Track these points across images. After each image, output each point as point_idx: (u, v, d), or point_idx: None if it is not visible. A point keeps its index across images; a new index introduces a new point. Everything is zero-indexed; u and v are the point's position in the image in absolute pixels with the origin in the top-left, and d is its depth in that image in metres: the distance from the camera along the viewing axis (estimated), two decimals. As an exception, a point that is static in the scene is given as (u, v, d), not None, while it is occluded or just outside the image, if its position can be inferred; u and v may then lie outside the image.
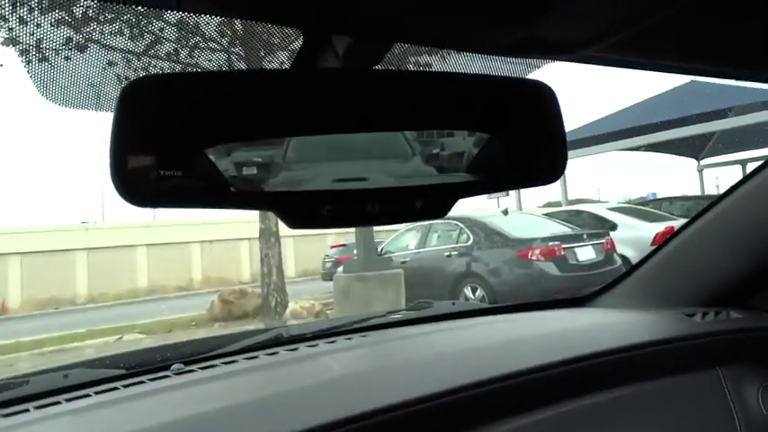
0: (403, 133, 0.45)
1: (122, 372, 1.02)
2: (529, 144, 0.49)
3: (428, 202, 0.46)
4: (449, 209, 0.47)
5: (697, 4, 0.52)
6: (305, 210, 0.43)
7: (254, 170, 0.42)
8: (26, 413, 0.83)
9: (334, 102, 0.44)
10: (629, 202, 14.68)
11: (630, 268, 1.40)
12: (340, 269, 7.40)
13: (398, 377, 0.91)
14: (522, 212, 10.60)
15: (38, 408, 0.85)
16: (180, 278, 22.75)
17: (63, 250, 22.00)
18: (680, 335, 1.08)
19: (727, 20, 0.57)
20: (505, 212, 8.70)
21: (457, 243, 7.78)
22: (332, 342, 1.17)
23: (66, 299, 21.28)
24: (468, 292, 7.23)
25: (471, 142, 0.47)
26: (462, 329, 1.23)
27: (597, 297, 1.39)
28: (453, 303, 1.48)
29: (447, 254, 7.69)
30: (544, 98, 0.48)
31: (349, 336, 1.23)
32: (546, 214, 9.75)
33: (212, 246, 24.48)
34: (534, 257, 7.01)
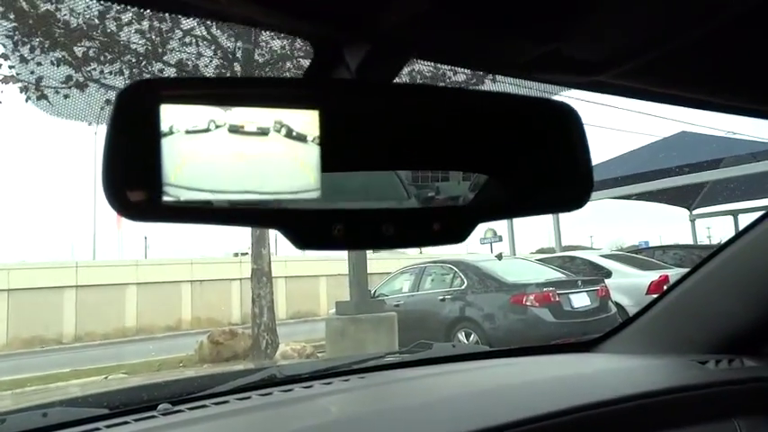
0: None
1: (105, 411, 0.96)
2: (552, 168, 0.46)
3: (446, 226, 0.43)
4: (468, 233, 0.43)
5: (716, 35, 0.50)
6: (314, 229, 0.40)
7: None
8: None
9: (348, 114, 0.41)
10: (621, 251, 14.69)
11: (636, 314, 1.36)
12: (332, 311, 7.29)
13: (398, 422, 0.86)
14: (516, 257, 10.57)
15: None
16: (169, 318, 22.43)
17: (51, 287, 21.70)
18: (695, 383, 1.03)
19: (748, 51, 0.55)
20: (499, 257, 8.68)
21: (451, 287, 7.71)
22: (328, 383, 1.12)
23: (53, 338, 20.85)
24: (461, 336, 7.12)
25: (491, 164, 0.44)
26: (465, 372, 1.18)
27: (603, 342, 1.35)
28: (453, 345, 1.42)
29: (441, 298, 7.62)
30: (569, 120, 0.46)
31: (346, 377, 1.17)
32: (540, 260, 9.73)
33: (202, 285, 24.22)
34: (529, 303, 6.94)
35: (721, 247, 1.22)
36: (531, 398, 0.98)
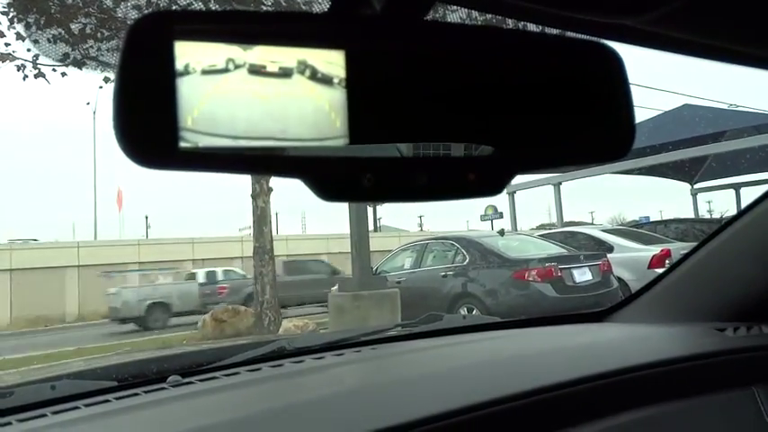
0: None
1: (114, 384, 0.94)
2: (592, 115, 0.43)
3: (482, 176, 0.40)
4: (505, 184, 0.40)
5: None
6: (342, 178, 0.37)
7: None
8: (8, 426, 0.76)
9: (377, 54, 0.38)
10: (622, 225, 14.68)
11: (648, 283, 1.34)
12: (334, 288, 7.30)
13: (413, 391, 0.84)
14: (517, 233, 10.55)
15: (21, 421, 0.77)
16: (171, 296, 22.48)
17: (54, 267, 21.78)
18: (713, 350, 1.01)
19: None
20: (501, 233, 8.65)
21: (453, 263, 7.71)
22: (340, 355, 1.10)
23: (56, 317, 20.99)
24: (463, 312, 7.14)
25: (529, 109, 0.41)
26: (476, 343, 1.16)
27: (616, 312, 1.33)
28: (464, 317, 1.40)
29: (443, 274, 7.62)
30: (610, 63, 0.43)
31: (357, 348, 1.15)
32: (542, 235, 9.72)
33: (204, 264, 24.29)
34: (531, 278, 6.95)
35: (737, 216, 1.19)
36: (544, 367, 0.96)
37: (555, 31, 0.46)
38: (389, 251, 9.33)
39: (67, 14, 7.86)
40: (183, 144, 0.35)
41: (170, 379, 0.94)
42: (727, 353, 1.01)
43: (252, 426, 0.72)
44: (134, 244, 24.55)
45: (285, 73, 0.37)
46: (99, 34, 8.53)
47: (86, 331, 16.31)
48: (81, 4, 8.01)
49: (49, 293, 21.22)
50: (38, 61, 8.96)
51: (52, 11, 7.80)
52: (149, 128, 0.34)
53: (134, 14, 8.20)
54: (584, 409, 0.87)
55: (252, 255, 8.35)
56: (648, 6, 0.42)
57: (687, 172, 16.11)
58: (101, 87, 10.01)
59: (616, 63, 0.43)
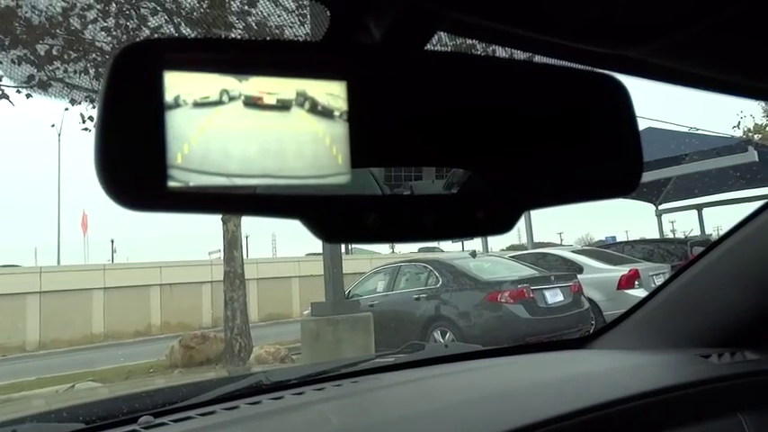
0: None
1: (81, 426, 0.88)
2: (599, 149, 0.41)
3: (490, 214, 0.38)
4: (514, 222, 0.38)
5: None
6: (344, 218, 0.34)
7: None
8: None
9: (377, 83, 0.35)
10: (590, 246, 14.91)
11: (632, 308, 1.34)
12: (306, 312, 7.19)
13: (403, 430, 0.80)
14: (489, 255, 10.62)
15: None
16: (138, 323, 21.97)
17: (14, 294, 21.03)
18: (700, 378, 1.01)
19: None
20: (473, 255, 8.68)
21: (426, 286, 7.69)
22: (320, 389, 1.06)
23: (16, 346, 20.18)
24: (437, 335, 7.10)
25: (535, 144, 0.40)
26: (462, 374, 1.14)
27: (599, 338, 1.32)
28: (446, 345, 1.37)
29: (416, 297, 7.59)
30: (617, 95, 0.41)
31: (338, 382, 1.11)
32: (513, 257, 9.79)
33: (172, 289, 23.78)
34: (504, 300, 6.97)
35: (718, 241, 1.20)
36: (537, 400, 0.94)
37: (555, 62, 0.45)
38: (362, 274, 9.27)
39: (33, 35, 7.72)
40: (172, 183, 0.32)
41: (141, 420, 0.89)
42: (714, 381, 1.01)
43: None
44: (99, 269, 23.88)
45: (283, 105, 0.34)
46: (66, 56, 8.38)
47: (49, 360, 15.70)
48: (48, 26, 7.87)
49: (8, 321, 20.43)
50: (1, 83, 8.75)
51: (17, 31, 7.64)
52: (135, 167, 0.31)
53: (102, 36, 8.09)
54: None
55: (222, 279, 8.18)
56: (651, 37, 0.41)
57: (651, 193, 16.53)
58: (66, 109, 9.82)
59: (623, 95, 0.42)
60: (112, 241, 29.90)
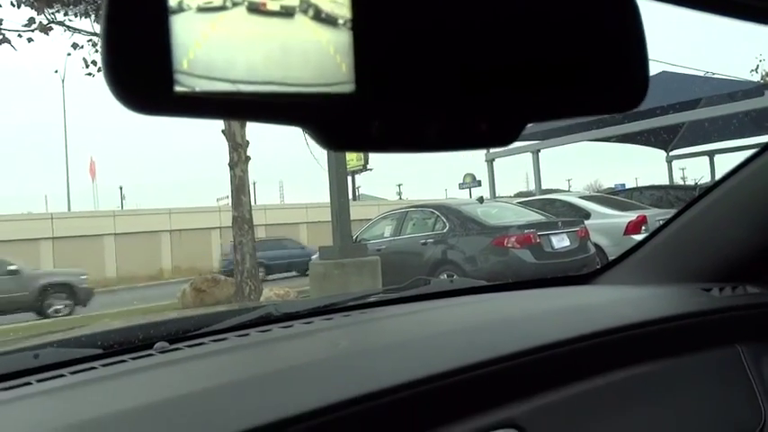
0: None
1: (100, 351, 0.92)
2: (606, 61, 0.41)
3: (493, 126, 0.38)
4: (517, 135, 0.39)
5: None
6: (348, 126, 0.35)
7: None
8: None
9: None
10: (598, 193, 14.86)
11: (636, 245, 1.35)
12: (315, 256, 7.29)
13: (411, 354, 0.83)
14: (496, 200, 10.62)
15: (5, 389, 0.75)
16: (149, 267, 22.37)
17: (27, 239, 21.36)
18: (699, 309, 1.03)
19: None
20: (480, 200, 8.69)
21: (432, 231, 7.74)
22: (328, 319, 1.09)
23: (30, 289, 20.66)
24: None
25: (544, 54, 0.39)
26: (466, 306, 1.16)
27: (603, 274, 1.34)
28: (451, 281, 1.40)
29: (423, 242, 7.66)
30: (626, 8, 0.41)
31: (346, 313, 1.14)
32: (520, 202, 9.79)
33: (182, 235, 24.09)
34: (510, 245, 7.02)
35: (723, 178, 1.20)
36: (535, 328, 0.96)
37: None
38: (368, 220, 9.33)
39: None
40: (178, 88, 0.32)
41: (157, 345, 0.92)
42: (714, 312, 1.03)
43: (242, 390, 0.70)
44: (109, 215, 24.17)
45: (287, 12, 0.34)
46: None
47: (63, 303, 16.04)
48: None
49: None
50: (1, 26, 8.61)
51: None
52: (142, 70, 0.31)
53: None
54: (575, 369, 0.88)
55: (231, 225, 8.27)
56: None
57: (663, 139, 16.31)
58: (69, 54, 9.68)
59: (632, 10, 0.41)
60: (121, 188, 30.06)
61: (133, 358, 0.87)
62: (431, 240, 7.57)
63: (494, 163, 14.97)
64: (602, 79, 0.41)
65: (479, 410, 0.76)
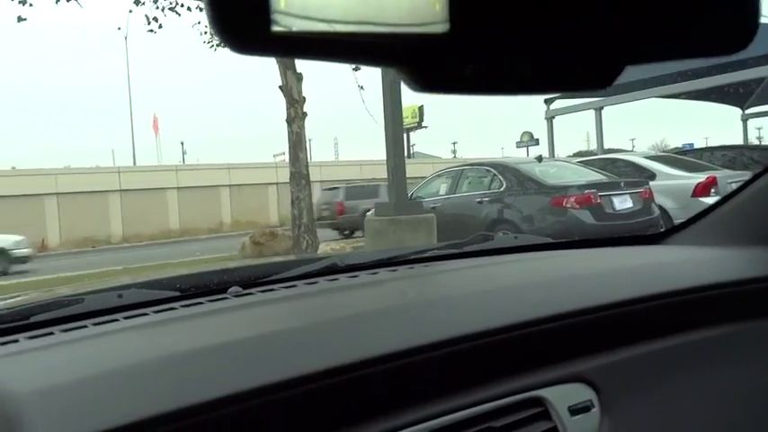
0: None
1: (177, 294, 0.97)
2: (709, 2, 0.38)
3: (590, 68, 0.36)
4: (613, 78, 0.37)
5: None
6: (441, 67, 0.34)
7: None
8: (84, 329, 0.79)
9: None
10: (664, 152, 14.19)
11: (710, 206, 1.29)
12: (370, 213, 7.36)
13: (478, 306, 0.84)
14: (556, 159, 10.33)
15: (95, 324, 0.80)
16: (210, 221, 23.16)
17: (97, 191, 22.45)
18: None
19: None
20: (539, 159, 8.47)
21: (489, 189, 7.64)
22: (393, 271, 1.11)
23: (102, 239, 21.90)
24: (499, 238, 7.13)
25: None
26: (532, 261, 1.15)
27: (674, 234, 1.29)
28: (515, 237, 1.38)
29: (478, 200, 7.57)
30: None
31: (410, 266, 1.16)
32: (580, 162, 9.49)
33: (241, 190, 24.74)
34: (569, 205, 6.85)
35: None
36: (604, 286, 0.94)
37: None
38: (422, 178, 9.29)
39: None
40: (275, 28, 0.32)
41: (231, 290, 0.96)
42: None
43: (315, 333, 0.73)
44: (172, 169, 25.05)
45: None
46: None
47: (132, 252, 16.95)
48: None
49: (94, 217, 22.04)
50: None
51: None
52: (241, 10, 0.32)
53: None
54: (648, 328, 0.86)
55: (288, 180, 8.41)
56: None
57: (738, 96, 15.30)
58: (130, 11, 9.88)
59: None
60: (182, 143, 30.93)
61: (210, 301, 0.91)
62: (487, 199, 7.48)
63: (554, 121, 14.51)
64: (707, 18, 0.39)
65: (547, 364, 0.77)
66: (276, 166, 26.50)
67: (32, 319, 0.85)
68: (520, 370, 0.75)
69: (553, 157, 12.78)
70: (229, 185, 25.08)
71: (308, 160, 8.84)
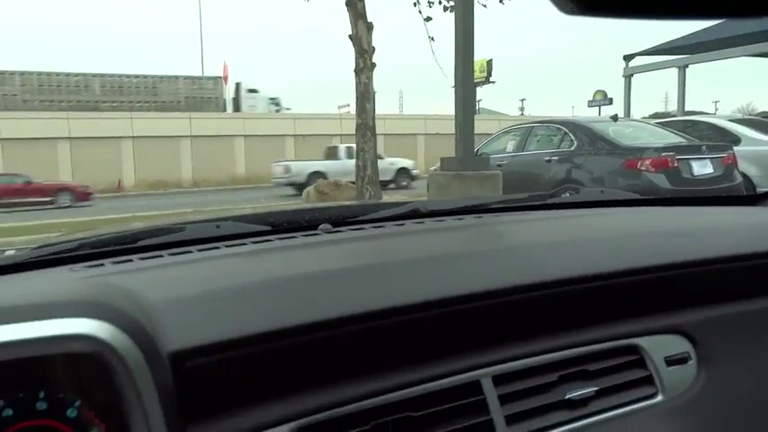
0: None
1: (269, 228, 1.00)
2: None
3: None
4: None
5: None
6: None
7: None
8: (188, 254, 0.83)
9: None
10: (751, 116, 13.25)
11: None
12: (433, 167, 7.30)
13: (570, 253, 0.82)
14: (631, 120, 9.85)
15: (199, 251, 0.85)
16: (275, 169, 23.59)
17: (168, 137, 23.28)
18: None
19: None
20: (615, 118, 8.08)
21: (558, 148, 7.38)
22: (479, 218, 1.10)
23: (173, 182, 22.85)
24: (566, 199, 6.93)
25: None
26: (626, 215, 1.12)
27: (774, 195, 1.22)
28: (602, 191, 1.34)
29: (547, 159, 7.34)
30: None
31: (495, 214, 1.15)
32: (659, 123, 9.01)
33: (305, 140, 25.06)
34: (644, 168, 6.54)
35: None
36: (696, 243, 0.90)
37: None
38: (487, 134, 9.08)
39: None
40: None
41: (321, 227, 0.99)
42: None
43: (410, 269, 0.74)
44: (240, 118, 25.61)
45: None
46: None
47: (202, 197, 17.62)
48: None
49: (166, 161, 22.97)
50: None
51: None
52: None
53: None
54: (749, 286, 0.83)
55: (354, 131, 8.44)
56: None
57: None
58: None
59: None
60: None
61: (303, 235, 0.94)
62: (555, 158, 7.25)
63: (632, 79, 13.76)
64: None
65: (645, 314, 0.75)
66: (341, 117, 26.59)
67: (140, 243, 0.90)
68: (617, 318, 0.74)
69: (628, 117, 12.18)
70: (294, 135, 25.45)
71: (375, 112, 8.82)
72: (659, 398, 0.70)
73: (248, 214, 1.12)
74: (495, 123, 19.84)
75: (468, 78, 6.34)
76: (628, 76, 13.62)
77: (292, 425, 0.55)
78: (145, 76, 26.54)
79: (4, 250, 0.99)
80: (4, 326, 0.41)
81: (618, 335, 0.72)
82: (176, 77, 27.10)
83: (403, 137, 26.05)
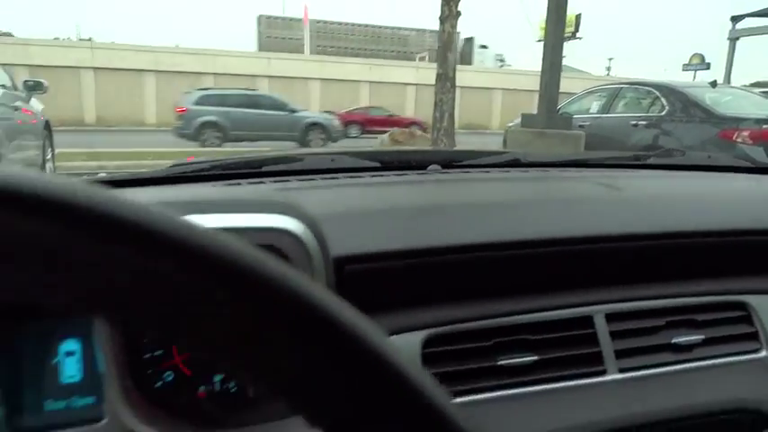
0: None
1: (380, 165, 1.05)
2: None
3: None
4: None
5: None
6: None
7: None
8: (312, 180, 0.90)
9: None
10: None
11: None
12: (512, 123, 7.14)
13: (689, 208, 0.83)
14: (732, 87, 9.18)
15: (323, 178, 0.91)
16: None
17: (249, 75, 23.70)
18: None
19: None
20: (713, 84, 7.56)
21: (647, 112, 7.01)
22: (580, 172, 1.11)
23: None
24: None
25: None
26: (736, 180, 1.09)
27: None
28: (709, 156, 1.31)
29: (634, 123, 7.00)
30: None
31: (595, 169, 1.15)
32: (764, 92, 8.36)
33: (380, 87, 24.97)
34: (740, 139, 6.13)
35: None
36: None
37: None
38: (569, 93, 8.74)
39: None
40: None
41: (430, 167, 1.03)
42: None
43: (531, 208, 0.77)
44: (315, 61, 25.74)
45: None
46: None
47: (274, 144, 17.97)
48: None
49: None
50: None
51: None
52: None
53: None
54: None
55: (435, 81, 8.33)
56: None
57: None
58: None
59: None
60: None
61: (416, 173, 0.98)
62: (643, 123, 6.90)
63: (737, 42, 12.72)
64: None
65: (756, 273, 0.76)
66: (417, 66, 26.21)
67: (264, 169, 0.98)
68: (728, 274, 0.75)
69: (729, 83, 11.35)
70: (369, 81, 25.37)
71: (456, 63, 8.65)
72: (763, 353, 0.72)
73: (360, 151, 1.17)
74: (579, 83, 19.01)
75: (558, 34, 6.10)
76: (733, 39, 12.59)
77: (425, 332, 0.61)
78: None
79: (96, 172, 1.09)
80: (227, 215, 0.47)
81: (728, 290, 0.74)
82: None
83: (479, 90, 25.46)
